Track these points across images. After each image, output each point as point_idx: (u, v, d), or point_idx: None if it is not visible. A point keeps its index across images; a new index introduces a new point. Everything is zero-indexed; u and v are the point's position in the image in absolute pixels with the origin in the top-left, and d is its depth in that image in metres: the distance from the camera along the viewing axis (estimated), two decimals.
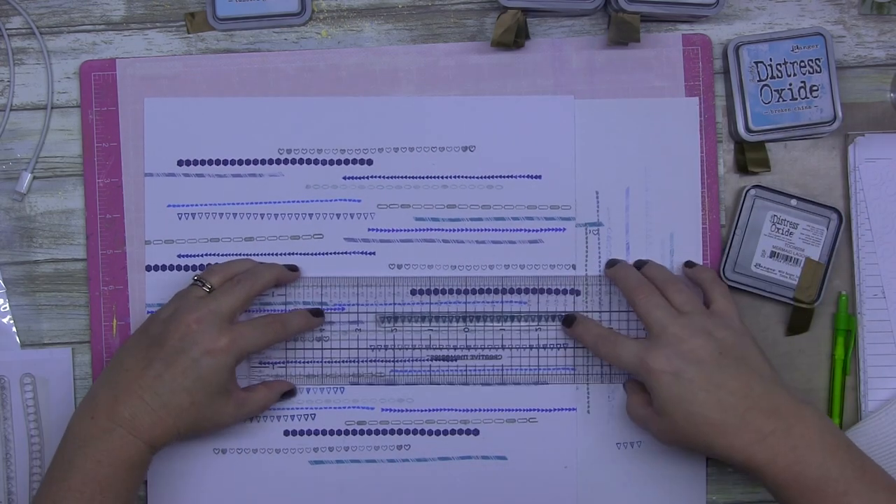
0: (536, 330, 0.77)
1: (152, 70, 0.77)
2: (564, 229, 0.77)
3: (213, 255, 0.77)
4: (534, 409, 0.77)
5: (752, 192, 0.76)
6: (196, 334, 0.69)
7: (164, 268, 0.77)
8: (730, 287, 0.75)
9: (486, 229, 0.77)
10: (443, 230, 0.77)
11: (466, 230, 0.77)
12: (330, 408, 0.77)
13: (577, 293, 0.77)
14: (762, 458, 0.65)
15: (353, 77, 0.77)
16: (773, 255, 0.76)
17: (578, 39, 0.78)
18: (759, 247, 0.76)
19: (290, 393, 0.76)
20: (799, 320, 0.77)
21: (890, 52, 0.78)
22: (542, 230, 0.77)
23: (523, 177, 0.77)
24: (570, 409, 0.77)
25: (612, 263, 0.76)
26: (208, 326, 0.69)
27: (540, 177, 0.77)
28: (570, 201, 0.77)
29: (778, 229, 0.76)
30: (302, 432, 0.77)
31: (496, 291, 0.77)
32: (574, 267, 0.77)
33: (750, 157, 0.77)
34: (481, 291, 0.77)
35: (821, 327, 0.78)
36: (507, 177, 0.77)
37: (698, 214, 0.77)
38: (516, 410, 0.77)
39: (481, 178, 0.77)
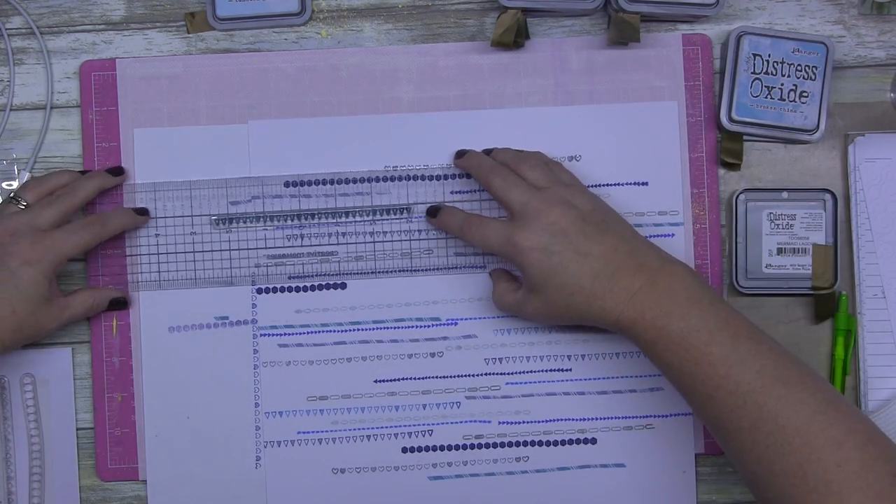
0: None
1: (152, 70, 0.77)
2: (673, 235, 0.77)
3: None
4: (650, 416, 0.77)
5: (742, 196, 0.76)
6: (10, 246, 0.69)
7: None
8: (748, 294, 0.76)
9: None
10: None
11: None
12: (447, 423, 0.77)
13: None
14: (631, 316, 0.65)
15: (353, 77, 0.77)
16: (779, 251, 0.76)
17: (578, 39, 0.78)
18: (765, 247, 0.76)
19: (120, 302, 0.75)
20: (823, 307, 0.77)
21: (890, 52, 0.78)
22: (650, 237, 0.75)
23: (630, 184, 0.77)
24: (686, 414, 0.77)
25: (460, 154, 0.76)
26: (22, 238, 0.69)
27: (647, 183, 0.77)
28: (678, 207, 0.76)
29: (777, 225, 0.76)
30: (420, 448, 0.77)
31: None
32: None
33: (725, 146, 0.76)
34: None
35: (821, 327, 0.78)
36: (614, 184, 0.77)
37: (699, 214, 0.77)
38: (633, 417, 0.77)
39: (589, 186, 0.75)
